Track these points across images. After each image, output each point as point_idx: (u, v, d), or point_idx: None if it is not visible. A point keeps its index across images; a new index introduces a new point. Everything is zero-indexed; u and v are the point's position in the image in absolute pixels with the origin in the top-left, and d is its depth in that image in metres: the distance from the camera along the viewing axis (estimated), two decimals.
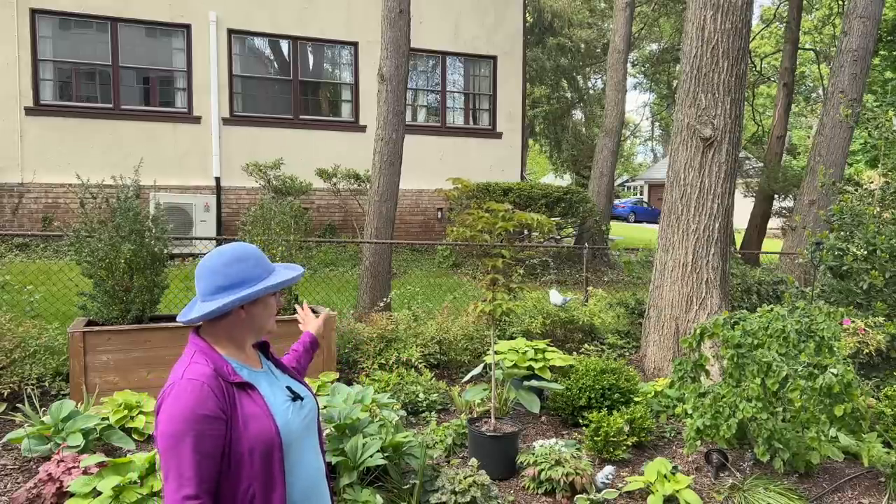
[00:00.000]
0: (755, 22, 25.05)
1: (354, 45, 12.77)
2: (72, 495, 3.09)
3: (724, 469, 4.29)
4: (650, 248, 10.33)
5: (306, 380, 2.28)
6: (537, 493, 3.89)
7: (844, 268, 5.87)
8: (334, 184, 11.67)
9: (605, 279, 11.80)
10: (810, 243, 6.12)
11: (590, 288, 8.20)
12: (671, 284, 6.22)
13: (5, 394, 4.59)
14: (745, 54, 6.19)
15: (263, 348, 1.99)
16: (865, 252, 5.77)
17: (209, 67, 11.60)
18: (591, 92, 29.00)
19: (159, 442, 1.63)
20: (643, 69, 29.85)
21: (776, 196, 15.51)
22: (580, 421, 4.81)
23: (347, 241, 10.39)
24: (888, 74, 20.66)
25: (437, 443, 4.28)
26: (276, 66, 12.79)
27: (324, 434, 2.05)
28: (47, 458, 3.72)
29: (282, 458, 1.75)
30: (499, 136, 14.20)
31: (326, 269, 10.06)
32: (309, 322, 2.56)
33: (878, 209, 6.30)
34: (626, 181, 51.39)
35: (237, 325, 1.81)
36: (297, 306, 2.69)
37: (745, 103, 7.55)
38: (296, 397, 1.87)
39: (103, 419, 4.01)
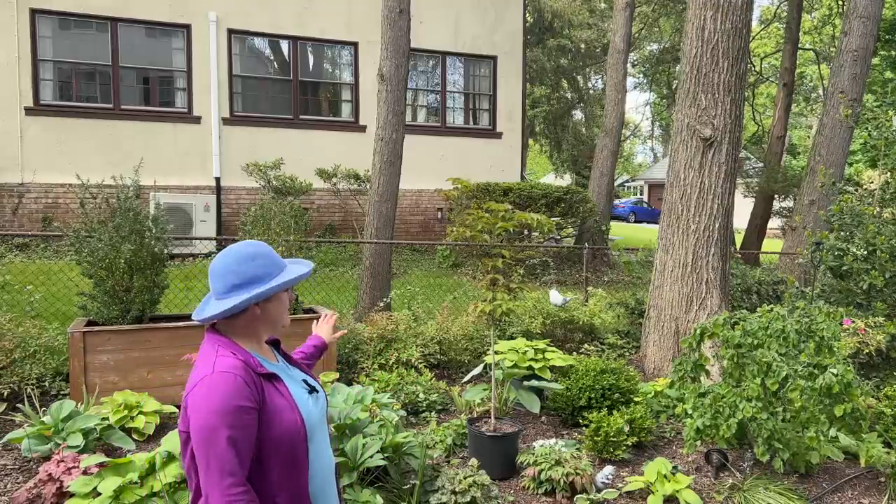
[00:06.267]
0: (755, 22, 25.06)
1: (354, 45, 12.77)
2: (72, 495, 3.09)
3: (724, 469, 4.29)
4: (650, 248, 10.34)
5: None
6: (537, 493, 3.89)
7: (844, 268, 5.87)
8: (334, 184, 11.67)
9: (605, 279, 11.81)
10: (810, 243, 6.12)
11: (590, 288, 8.19)
12: (671, 284, 6.22)
13: (5, 394, 4.60)
14: (745, 54, 6.19)
15: (275, 344, 2.03)
16: (865, 252, 5.77)
17: (209, 67, 11.60)
18: (591, 92, 29.00)
19: (194, 435, 1.63)
20: (643, 69, 29.84)
21: (776, 196, 15.51)
22: (580, 421, 4.82)
23: (347, 241, 10.38)
24: (888, 74, 20.66)
25: (437, 443, 4.29)
26: (276, 66, 12.78)
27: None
28: (47, 458, 3.71)
29: (307, 448, 1.78)
30: (499, 136, 14.20)
31: (326, 269, 10.06)
32: (322, 329, 2.60)
33: (878, 209, 6.30)
34: (626, 181, 51.36)
35: (253, 321, 1.83)
36: (324, 312, 2.71)
37: (745, 103, 7.55)
38: (312, 390, 1.92)
39: (103, 419, 4.01)
